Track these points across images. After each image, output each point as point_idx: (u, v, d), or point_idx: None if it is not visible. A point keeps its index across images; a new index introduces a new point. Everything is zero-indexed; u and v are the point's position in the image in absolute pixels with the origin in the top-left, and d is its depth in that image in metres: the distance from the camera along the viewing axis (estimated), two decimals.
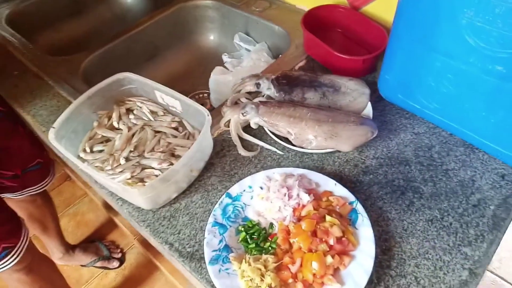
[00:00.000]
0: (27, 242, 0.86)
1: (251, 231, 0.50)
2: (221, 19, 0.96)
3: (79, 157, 0.60)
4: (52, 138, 0.56)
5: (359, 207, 0.51)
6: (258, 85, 0.67)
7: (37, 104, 0.73)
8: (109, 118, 0.64)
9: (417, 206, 0.53)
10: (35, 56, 0.83)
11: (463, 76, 0.51)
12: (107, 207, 1.39)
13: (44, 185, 0.98)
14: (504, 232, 0.51)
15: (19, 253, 0.84)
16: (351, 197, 0.52)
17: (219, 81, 0.80)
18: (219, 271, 0.47)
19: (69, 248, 1.24)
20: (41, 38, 1.00)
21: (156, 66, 0.95)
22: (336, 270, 0.46)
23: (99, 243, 1.32)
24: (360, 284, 0.44)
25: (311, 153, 0.60)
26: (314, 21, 0.75)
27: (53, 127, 0.57)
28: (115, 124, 0.64)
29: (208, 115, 0.55)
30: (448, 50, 0.50)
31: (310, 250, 0.46)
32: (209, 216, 0.53)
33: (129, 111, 0.66)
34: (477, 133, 0.56)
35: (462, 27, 0.46)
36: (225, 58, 0.91)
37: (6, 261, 0.82)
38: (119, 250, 1.33)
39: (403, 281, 0.46)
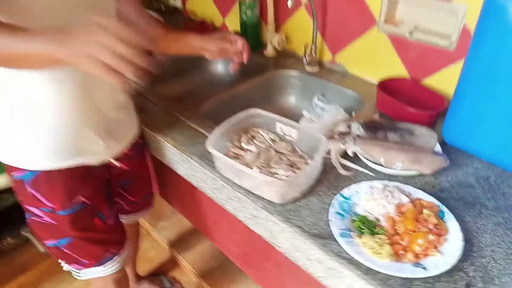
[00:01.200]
0: (126, 254, 1.00)
1: (363, 220, 0.67)
2: (302, 85, 1.23)
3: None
4: (209, 146, 0.77)
5: (444, 208, 0.68)
6: (349, 126, 0.89)
7: (175, 132, 0.96)
8: (239, 141, 0.86)
9: (485, 214, 0.70)
10: (164, 99, 1.09)
11: None
12: (172, 245, 1.52)
13: (146, 213, 1.15)
14: None
15: (121, 262, 0.98)
16: (436, 202, 0.70)
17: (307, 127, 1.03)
18: (347, 243, 0.63)
19: (138, 278, 1.36)
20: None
21: None
22: (435, 247, 0.62)
23: (163, 277, 1.43)
24: (454, 255, 0.60)
25: (397, 175, 0.79)
26: (384, 86, 1.00)
27: (210, 140, 0.78)
28: (244, 146, 0.85)
29: (325, 140, 0.77)
30: (505, 104, 0.72)
31: (414, 231, 0.63)
32: (325, 211, 0.70)
33: (253, 137, 0.88)
34: None
35: None
36: (305, 113, 1.15)
37: (112, 265, 0.96)
38: (180, 286, 1.43)
39: (484, 260, 0.62)
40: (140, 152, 1.00)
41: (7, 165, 0.78)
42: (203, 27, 1.53)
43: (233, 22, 1.46)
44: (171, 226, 1.65)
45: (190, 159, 0.89)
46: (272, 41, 1.29)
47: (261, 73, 1.23)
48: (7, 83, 0.69)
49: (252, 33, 1.33)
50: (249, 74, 1.34)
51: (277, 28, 1.31)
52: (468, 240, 0.65)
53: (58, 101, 0.71)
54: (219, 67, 1.45)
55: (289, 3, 1.03)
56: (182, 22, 1.60)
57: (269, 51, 1.31)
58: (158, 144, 0.98)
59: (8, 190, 1.31)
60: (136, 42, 0.50)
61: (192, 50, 0.93)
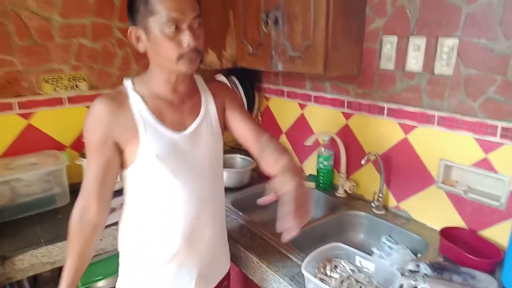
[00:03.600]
0: None
1: None
2: (370, 225, 1.44)
3: None
4: (304, 270, 0.97)
5: None
6: (418, 266, 1.06)
7: (268, 255, 1.18)
8: (324, 268, 1.06)
9: None
10: (253, 224, 1.35)
11: None
12: None
13: None
14: None
15: None
16: None
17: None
18: None
19: None
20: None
21: None
22: None
23: None
24: None
25: None
26: (446, 234, 1.19)
27: (305, 265, 0.99)
28: (328, 273, 1.04)
29: (400, 275, 0.95)
30: None
31: None
32: None
33: (336, 266, 1.07)
34: None
35: None
36: (375, 250, 1.33)
37: None
38: None
39: None
40: None
41: None
42: None
43: (308, 167, 1.80)
44: None
45: (281, 280, 1.09)
46: (344, 186, 1.57)
47: (335, 211, 1.48)
48: (134, 225, 1.00)
49: (325, 178, 1.63)
50: (324, 211, 1.60)
51: (347, 176, 1.60)
52: None
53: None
54: None
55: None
56: None
57: (341, 193, 1.58)
58: (253, 264, 1.20)
59: None
60: None
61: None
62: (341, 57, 1.36)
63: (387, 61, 1.34)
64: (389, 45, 1.31)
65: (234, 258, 1.26)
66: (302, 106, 1.77)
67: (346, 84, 1.52)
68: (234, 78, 1.94)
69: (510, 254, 0.98)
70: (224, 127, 1.10)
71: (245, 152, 2.06)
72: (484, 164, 1.14)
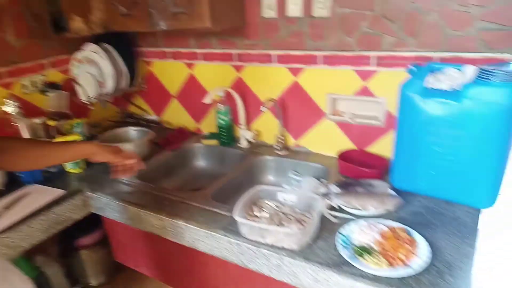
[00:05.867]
0: None
1: (361, 247, 0.96)
2: (276, 166, 1.55)
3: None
4: (236, 215, 1.02)
5: (410, 229, 1.00)
6: (328, 188, 1.21)
7: (195, 215, 1.18)
8: (252, 211, 1.12)
9: (436, 229, 1.03)
10: (169, 192, 1.32)
11: (436, 165, 1.10)
12: None
13: None
14: (476, 235, 1.01)
15: None
16: (404, 226, 1.01)
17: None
18: (356, 263, 0.90)
19: None
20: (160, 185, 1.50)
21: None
22: (413, 253, 0.92)
23: None
24: (428, 256, 0.90)
25: (371, 215, 1.10)
26: (342, 157, 1.37)
27: (236, 212, 1.03)
28: (257, 214, 1.11)
29: (319, 198, 1.07)
30: (426, 155, 1.10)
31: (397, 246, 0.93)
32: (333, 247, 0.97)
33: (261, 207, 1.14)
34: (448, 196, 1.12)
35: (432, 141, 1.08)
36: (285, 186, 1.45)
37: None
38: None
39: (444, 257, 0.93)
40: None
41: None
42: (181, 132, 1.84)
43: (207, 126, 1.80)
44: None
45: (215, 233, 1.11)
46: (246, 136, 1.64)
47: (243, 161, 1.54)
48: None
49: (227, 132, 1.67)
50: (231, 164, 1.65)
51: (248, 127, 1.67)
52: (431, 246, 0.96)
53: None
54: (201, 163, 1.74)
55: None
56: (160, 130, 1.89)
57: (244, 144, 1.65)
58: (181, 229, 1.19)
59: None
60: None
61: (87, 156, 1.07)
62: (226, 9, 1.36)
63: (269, 10, 1.40)
64: None
65: (160, 229, 1.23)
66: (189, 66, 1.73)
67: (233, 37, 1.54)
68: (107, 46, 1.75)
69: (395, 160, 1.20)
70: None
71: (136, 123, 1.95)
72: (364, 92, 1.33)
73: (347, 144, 1.46)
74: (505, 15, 1.05)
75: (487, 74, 0.98)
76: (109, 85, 1.74)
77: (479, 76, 0.99)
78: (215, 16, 1.30)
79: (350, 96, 1.37)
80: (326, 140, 1.50)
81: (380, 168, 1.30)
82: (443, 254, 0.94)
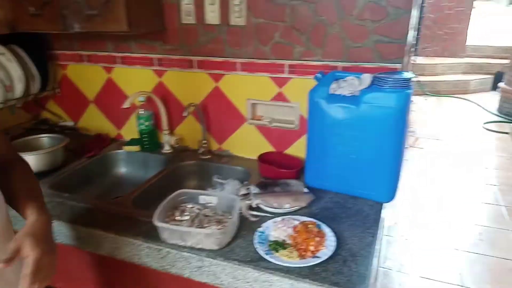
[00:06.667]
0: None
1: (276, 242, 1.02)
2: (200, 170, 1.57)
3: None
4: (156, 220, 1.02)
5: (319, 223, 1.09)
6: (248, 189, 1.26)
7: (114, 223, 1.15)
8: (174, 215, 1.13)
9: (342, 222, 1.13)
10: (90, 202, 1.27)
11: (342, 163, 1.22)
12: None
13: None
14: (378, 226, 1.14)
15: None
16: (314, 220, 1.10)
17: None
18: (271, 257, 0.96)
19: None
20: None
21: None
22: (321, 245, 1.00)
23: None
24: (333, 246, 0.99)
25: (287, 212, 1.18)
26: (262, 159, 1.44)
27: (156, 218, 1.03)
28: (178, 218, 1.12)
29: (238, 199, 1.12)
30: (333, 156, 1.21)
31: (307, 239, 1.01)
32: (251, 244, 1.03)
33: (183, 211, 1.15)
34: (354, 191, 1.24)
35: (337, 142, 1.19)
36: (209, 190, 1.47)
37: None
38: None
39: (348, 245, 1.03)
40: None
41: None
42: (100, 139, 1.77)
43: (129, 131, 1.76)
44: None
45: (135, 240, 1.10)
46: (169, 141, 1.63)
47: (166, 167, 1.54)
48: None
49: (150, 138, 1.65)
50: (154, 169, 1.63)
51: (171, 132, 1.66)
52: (338, 238, 1.06)
53: None
54: (123, 169, 1.69)
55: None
56: (77, 137, 1.79)
57: (167, 149, 1.64)
58: (97, 239, 1.15)
59: None
60: None
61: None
62: (145, 13, 1.35)
63: (187, 16, 1.42)
64: None
65: (75, 240, 1.18)
66: (108, 70, 1.68)
67: (152, 42, 1.53)
68: (16, 47, 1.63)
69: (308, 160, 1.30)
70: None
71: (50, 129, 1.83)
72: (280, 97, 1.42)
73: (267, 147, 1.53)
74: (394, 30, 1.21)
75: (381, 81, 1.11)
76: (18, 89, 1.62)
77: (374, 83, 1.13)
78: (132, 19, 1.29)
79: (268, 102, 1.45)
80: (248, 144, 1.56)
81: (296, 168, 1.39)
82: (348, 244, 1.04)
